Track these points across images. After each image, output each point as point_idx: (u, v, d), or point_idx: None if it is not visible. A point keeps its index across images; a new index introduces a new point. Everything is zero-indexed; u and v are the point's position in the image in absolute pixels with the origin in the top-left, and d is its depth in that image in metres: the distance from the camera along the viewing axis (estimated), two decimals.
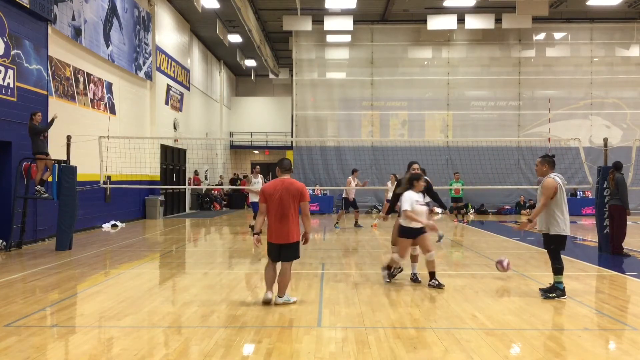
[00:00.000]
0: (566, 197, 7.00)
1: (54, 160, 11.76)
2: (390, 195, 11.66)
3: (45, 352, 4.86)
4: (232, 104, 36.76)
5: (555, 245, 6.90)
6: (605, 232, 11.20)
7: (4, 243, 11.18)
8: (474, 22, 22.71)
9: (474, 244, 12.81)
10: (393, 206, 8.71)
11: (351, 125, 25.05)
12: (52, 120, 11.59)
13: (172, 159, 23.09)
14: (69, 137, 12.34)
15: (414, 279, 7.90)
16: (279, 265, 6.63)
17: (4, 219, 11.35)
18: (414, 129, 24.66)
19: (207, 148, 27.22)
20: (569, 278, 7.96)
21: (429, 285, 7.54)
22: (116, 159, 14.71)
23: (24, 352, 4.79)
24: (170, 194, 22.71)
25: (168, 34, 22.36)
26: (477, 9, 21.86)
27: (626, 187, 10.95)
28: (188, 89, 25.26)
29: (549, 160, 7.02)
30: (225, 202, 27.84)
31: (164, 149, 21.78)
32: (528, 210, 21.20)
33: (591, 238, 13.66)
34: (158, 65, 21.05)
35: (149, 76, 20.21)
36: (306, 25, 22.98)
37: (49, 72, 13.21)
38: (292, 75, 26.72)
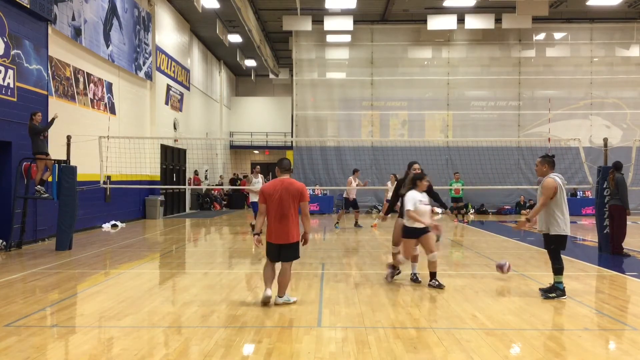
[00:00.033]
0: (566, 197, 7.00)
1: (54, 160, 11.75)
2: (390, 195, 11.64)
3: (45, 352, 4.86)
4: (232, 104, 36.76)
5: (555, 245, 6.90)
6: (605, 232, 11.20)
7: (4, 243, 11.18)
8: (474, 22, 22.71)
9: (474, 244, 12.80)
10: (392, 206, 8.71)
11: (351, 125, 25.04)
12: (52, 120, 11.58)
13: (172, 159, 23.09)
14: (69, 137, 12.34)
15: (414, 279, 7.90)
16: (277, 265, 6.62)
17: (4, 219, 11.35)
18: (414, 129, 24.65)
19: (207, 148, 27.22)
20: (569, 278, 7.96)
21: (429, 285, 7.54)
22: (116, 159, 14.71)
23: (24, 352, 4.79)
24: (170, 194, 22.71)
25: (168, 34, 22.36)
26: (477, 9, 21.86)
27: (626, 187, 10.95)
28: (188, 89, 25.26)
29: (549, 160, 7.02)
30: (225, 202, 27.83)
31: (164, 149, 21.78)
32: (528, 210, 21.17)
33: (591, 238, 13.66)
34: (158, 65, 21.05)
35: (149, 76, 20.21)
36: (306, 25, 22.98)
37: (49, 72, 13.21)
38: (292, 75, 26.71)
